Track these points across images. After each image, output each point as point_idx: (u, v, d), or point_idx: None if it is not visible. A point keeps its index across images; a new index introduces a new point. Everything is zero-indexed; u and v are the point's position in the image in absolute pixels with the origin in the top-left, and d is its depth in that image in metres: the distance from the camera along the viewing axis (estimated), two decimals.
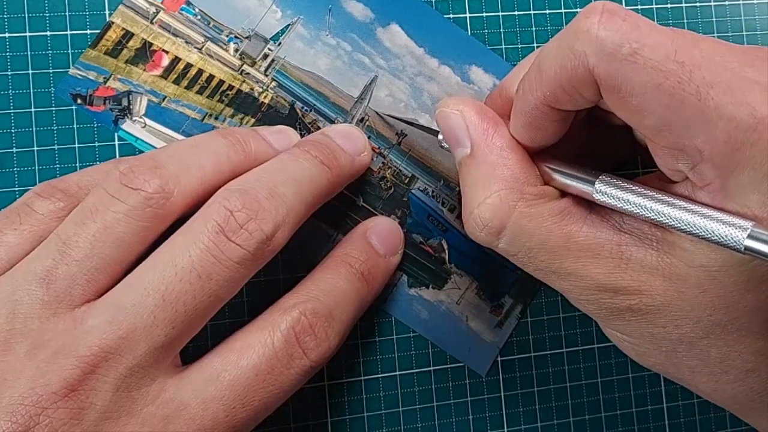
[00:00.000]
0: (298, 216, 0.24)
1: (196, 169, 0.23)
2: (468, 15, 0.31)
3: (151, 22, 0.28)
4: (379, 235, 0.28)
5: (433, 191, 0.30)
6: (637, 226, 0.22)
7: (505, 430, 0.31)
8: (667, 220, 0.20)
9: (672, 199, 0.20)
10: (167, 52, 0.28)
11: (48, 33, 0.28)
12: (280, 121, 0.29)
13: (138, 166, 0.23)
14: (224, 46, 0.29)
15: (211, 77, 0.29)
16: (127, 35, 0.28)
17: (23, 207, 0.23)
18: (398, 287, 0.30)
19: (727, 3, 0.33)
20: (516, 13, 0.31)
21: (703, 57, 0.18)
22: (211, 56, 0.29)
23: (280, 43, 0.29)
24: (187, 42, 0.28)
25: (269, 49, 0.29)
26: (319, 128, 0.29)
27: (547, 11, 0.31)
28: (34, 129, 0.27)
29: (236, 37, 0.29)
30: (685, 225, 0.19)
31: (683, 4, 0.32)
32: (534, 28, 0.31)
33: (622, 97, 0.19)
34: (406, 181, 0.30)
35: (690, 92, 0.18)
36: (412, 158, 0.30)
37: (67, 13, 0.28)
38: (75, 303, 0.21)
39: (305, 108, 0.29)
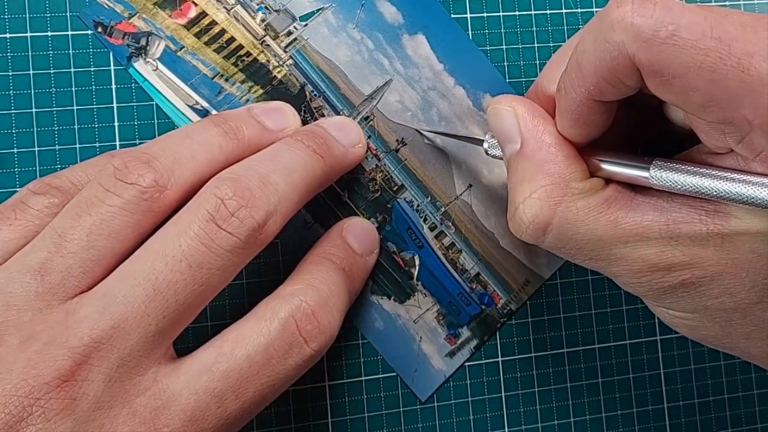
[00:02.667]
0: (291, 205, 0.24)
1: (189, 161, 0.23)
2: (469, 15, 0.31)
3: None
4: (354, 234, 0.28)
5: (418, 205, 0.30)
6: (683, 201, 0.22)
7: (506, 430, 0.30)
8: (726, 195, 0.20)
9: (728, 173, 0.20)
10: (196, 5, 0.29)
11: (49, 33, 0.28)
12: (288, 99, 0.29)
13: (132, 160, 0.23)
14: (252, 14, 0.29)
15: (231, 39, 0.29)
16: None
17: (18, 203, 0.23)
18: (363, 292, 0.30)
19: (727, 3, 0.33)
20: (517, 13, 0.31)
21: (736, 29, 0.19)
22: (237, 20, 0.29)
23: (306, 24, 0.29)
24: (218, 0, 0.29)
25: (294, 27, 0.29)
26: (323, 115, 0.29)
27: (548, 11, 0.31)
28: (35, 129, 0.27)
29: (266, 7, 0.29)
30: (743, 197, 0.20)
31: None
32: (535, 28, 0.31)
33: (666, 80, 0.19)
34: (394, 189, 0.30)
35: (732, 65, 0.18)
36: (406, 168, 0.30)
37: (67, 14, 0.28)
38: (69, 295, 0.21)
39: (315, 92, 0.29)
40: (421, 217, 0.30)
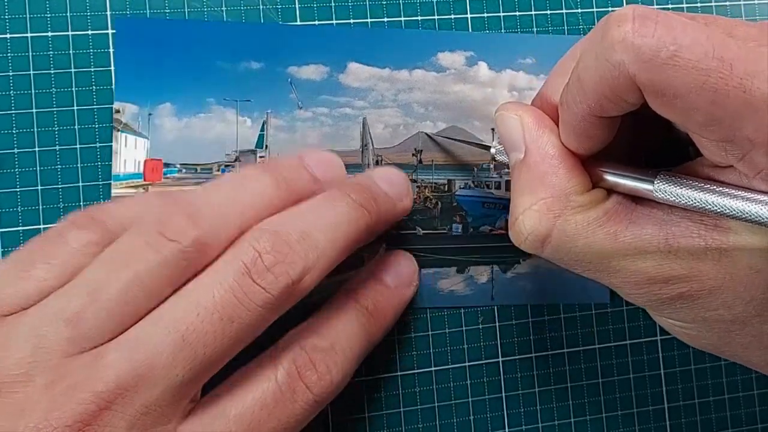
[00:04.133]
0: (329, 261, 0.24)
1: (236, 218, 0.23)
2: (469, 15, 0.31)
3: None
4: (390, 269, 0.28)
5: (473, 181, 0.31)
6: (683, 215, 0.22)
7: (506, 430, 0.31)
8: (728, 212, 0.20)
9: (732, 191, 0.20)
10: None
11: (49, 34, 0.28)
12: None
13: (176, 214, 0.22)
14: (215, 173, 0.29)
15: None
16: None
17: (57, 237, 0.23)
18: (496, 279, 0.30)
19: (728, 3, 0.33)
20: (517, 13, 0.31)
21: (740, 47, 0.19)
22: None
23: (266, 146, 0.29)
24: None
25: (261, 156, 0.29)
26: None
27: (548, 12, 0.31)
28: (35, 130, 0.27)
29: (226, 165, 0.29)
30: (744, 214, 0.20)
31: (684, 5, 0.32)
32: (535, 29, 0.31)
33: (667, 100, 0.19)
34: (446, 189, 0.30)
35: (734, 85, 0.18)
36: (438, 166, 0.30)
37: (68, 14, 0.28)
38: (99, 342, 0.21)
39: None
40: (483, 187, 0.31)
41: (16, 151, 0.27)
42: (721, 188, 0.20)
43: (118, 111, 0.28)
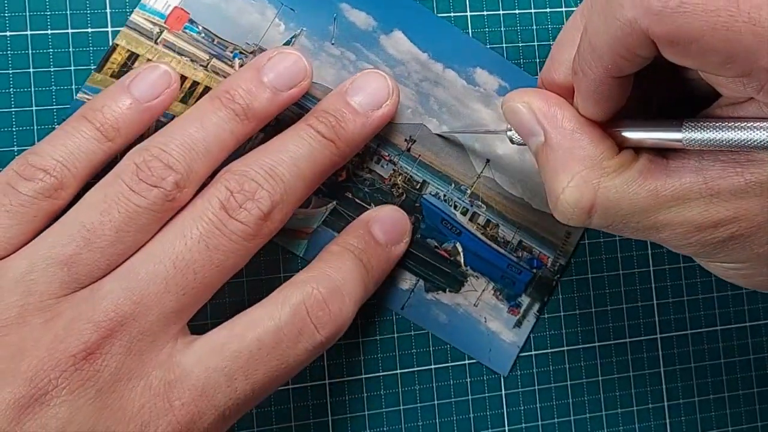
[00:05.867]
0: (296, 193, 0.25)
1: (204, 156, 0.25)
2: (469, 13, 0.31)
3: (156, 42, 0.28)
4: (382, 224, 0.28)
5: (444, 195, 0.30)
6: (715, 158, 0.22)
7: (506, 428, 0.31)
8: (761, 144, 0.20)
9: (757, 123, 0.20)
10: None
11: (49, 32, 0.28)
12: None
13: (153, 160, 0.24)
14: (230, 62, 0.29)
15: None
16: (132, 56, 0.28)
17: (7, 188, 0.24)
18: (415, 292, 0.30)
19: None
20: (516, 11, 0.31)
21: None
22: (217, 73, 0.28)
23: None
24: (192, 60, 0.28)
25: None
26: None
27: (548, 10, 0.31)
28: (35, 127, 0.27)
29: (241, 52, 0.29)
30: None
31: None
32: (535, 27, 0.31)
33: (683, 47, 0.19)
34: (417, 187, 0.30)
35: (743, 20, 0.18)
36: (422, 164, 0.30)
37: (68, 12, 0.28)
38: (93, 280, 0.23)
39: None
40: (450, 206, 0.30)
41: (15, 149, 0.27)
42: (747, 123, 0.21)
43: None
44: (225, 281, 0.24)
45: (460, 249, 0.30)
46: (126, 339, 0.22)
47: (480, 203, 0.31)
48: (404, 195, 0.30)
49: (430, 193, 0.30)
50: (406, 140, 0.30)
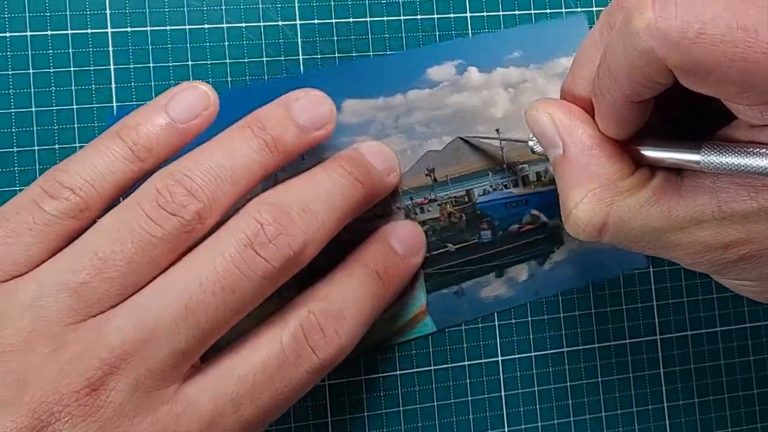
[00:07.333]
0: (328, 232, 0.25)
1: (230, 187, 0.24)
2: (468, 14, 0.31)
3: None
4: (399, 236, 0.28)
5: (491, 185, 0.31)
6: (730, 180, 0.22)
7: (506, 429, 0.31)
8: None
9: None
10: None
11: (49, 33, 0.28)
12: None
13: (175, 185, 0.23)
14: None
15: None
16: None
17: (32, 205, 0.23)
18: (537, 273, 0.31)
19: None
20: (517, 12, 0.31)
21: (759, 11, 0.19)
22: None
23: None
24: None
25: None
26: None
27: (548, 11, 0.31)
28: (35, 129, 0.27)
29: None
30: None
31: None
32: None
33: (700, 77, 0.19)
34: (466, 200, 0.30)
35: (762, 51, 0.18)
36: (453, 180, 0.30)
37: (67, 13, 0.28)
38: (102, 310, 0.22)
39: None
40: (501, 188, 0.31)
41: (15, 150, 0.27)
42: (765, 150, 0.21)
43: None
44: (238, 321, 0.24)
45: (536, 212, 0.31)
46: (132, 376, 0.22)
47: (519, 166, 0.31)
48: (462, 215, 0.30)
49: (479, 195, 0.31)
50: (426, 174, 0.30)
